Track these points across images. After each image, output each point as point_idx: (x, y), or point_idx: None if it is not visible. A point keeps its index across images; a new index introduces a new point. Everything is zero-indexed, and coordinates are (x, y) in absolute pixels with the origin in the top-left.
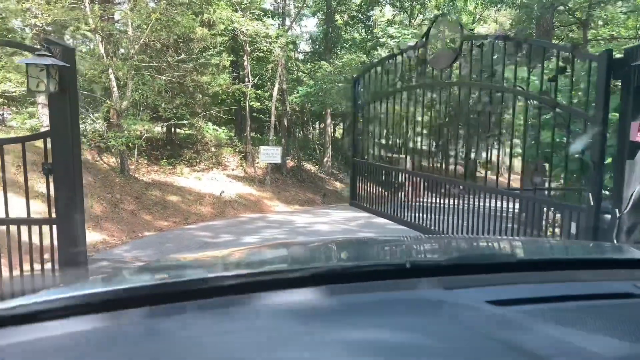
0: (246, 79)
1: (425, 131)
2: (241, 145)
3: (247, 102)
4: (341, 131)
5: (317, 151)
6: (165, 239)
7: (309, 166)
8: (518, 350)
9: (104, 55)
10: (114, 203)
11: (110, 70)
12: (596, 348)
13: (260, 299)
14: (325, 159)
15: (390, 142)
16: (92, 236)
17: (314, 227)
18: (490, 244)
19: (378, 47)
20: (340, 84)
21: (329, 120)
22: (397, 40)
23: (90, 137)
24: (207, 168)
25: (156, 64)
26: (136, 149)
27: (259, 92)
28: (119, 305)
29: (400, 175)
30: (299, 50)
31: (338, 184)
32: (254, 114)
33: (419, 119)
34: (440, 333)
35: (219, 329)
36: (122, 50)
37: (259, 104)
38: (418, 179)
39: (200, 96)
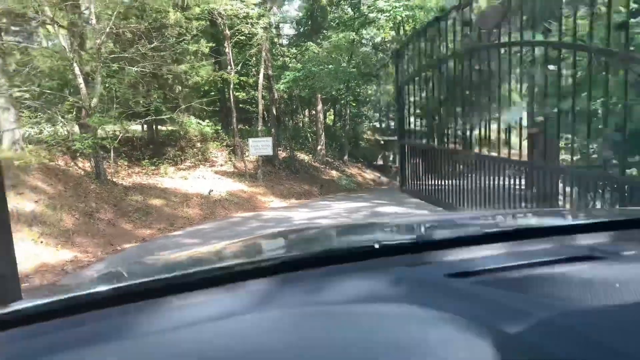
0: (229, 67)
1: (493, 104)
2: (229, 138)
3: (231, 91)
4: (332, 117)
5: (310, 139)
6: (147, 251)
7: (302, 156)
8: (467, 319)
9: (67, 48)
10: (88, 213)
11: (75, 65)
12: (542, 312)
13: (229, 290)
14: (319, 147)
15: (446, 121)
16: (61, 255)
17: (315, 223)
18: (458, 219)
19: (367, 24)
20: (330, 66)
21: (319, 106)
22: (388, 14)
23: (58, 140)
24: (193, 166)
25: (127, 55)
26: (112, 151)
27: (242, 78)
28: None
29: (463, 159)
30: (282, 34)
31: (334, 173)
32: (240, 105)
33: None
34: (400, 310)
35: (185, 322)
36: (89, 43)
37: (244, 94)
38: (489, 163)
39: (180, 88)
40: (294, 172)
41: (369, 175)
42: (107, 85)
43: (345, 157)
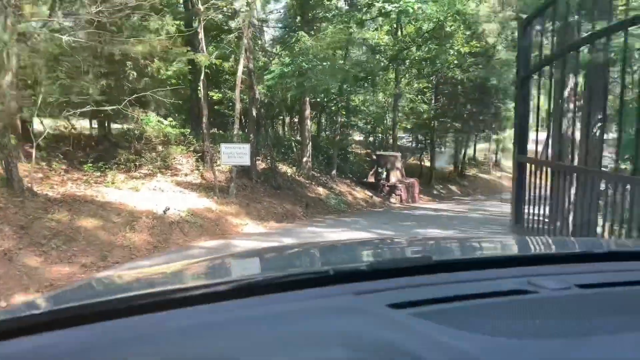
0: (200, 48)
1: None
2: (197, 142)
3: (201, 81)
4: (317, 126)
5: (294, 149)
6: None
7: (284, 168)
8: (399, 352)
9: None
10: None
11: None
12: (468, 345)
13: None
14: (305, 159)
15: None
16: None
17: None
18: (407, 247)
19: (366, 20)
20: (326, 63)
21: (307, 111)
22: (396, 4)
23: None
24: (150, 174)
25: (55, 20)
26: (36, 149)
27: (217, 61)
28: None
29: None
30: (268, 26)
31: (321, 190)
32: (215, 107)
33: None
34: (341, 340)
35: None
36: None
37: (219, 94)
38: None
39: (134, 74)
40: (274, 187)
41: (360, 194)
42: (25, 61)
43: (334, 172)
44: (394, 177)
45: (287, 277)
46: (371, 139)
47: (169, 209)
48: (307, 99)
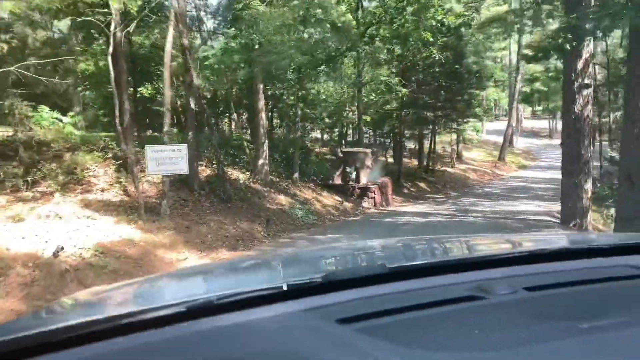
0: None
1: None
2: (116, 145)
3: (110, 47)
4: (278, 120)
5: (247, 150)
6: None
7: (235, 174)
8: None
9: None
10: None
11: None
12: (417, 356)
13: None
14: (261, 162)
15: None
16: None
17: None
18: (365, 253)
19: None
20: (286, 36)
21: (261, 102)
22: None
23: None
24: (47, 193)
25: None
26: None
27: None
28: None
29: None
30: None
31: (283, 199)
32: (147, 105)
33: None
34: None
35: None
36: None
37: (149, 88)
38: None
39: (3, 47)
40: (223, 199)
41: (328, 199)
42: None
43: (296, 175)
44: (365, 177)
45: (234, 295)
46: (328, 135)
47: (62, 248)
48: (261, 86)
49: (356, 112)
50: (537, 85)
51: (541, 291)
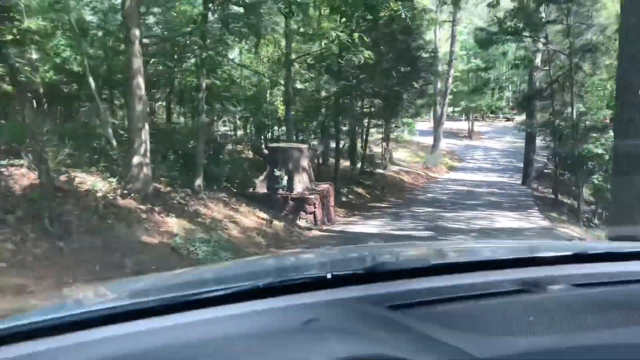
0: None
1: None
2: None
3: None
4: (171, 104)
5: (113, 145)
6: None
7: (90, 181)
8: (397, 353)
9: None
10: None
11: None
12: (463, 344)
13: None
14: (137, 161)
15: None
16: None
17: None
18: (405, 251)
19: None
20: None
21: (137, 60)
22: None
23: None
24: None
25: None
26: None
27: None
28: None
29: None
30: None
31: (174, 223)
32: None
33: None
34: (341, 341)
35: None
36: None
37: None
38: None
39: None
40: (54, 235)
41: (249, 218)
42: None
43: (199, 183)
44: (300, 183)
45: (280, 281)
46: (243, 130)
47: None
48: (137, 33)
49: (282, 99)
50: (458, 85)
51: (589, 288)
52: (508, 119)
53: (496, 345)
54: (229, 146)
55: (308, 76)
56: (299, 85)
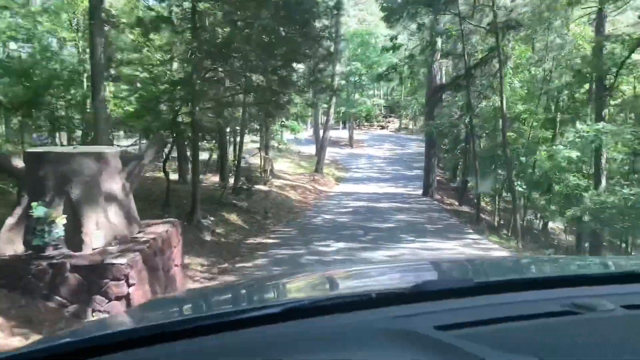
0: None
1: None
2: None
3: None
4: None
5: None
6: None
7: None
8: None
9: None
10: None
11: None
12: None
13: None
14: None
15: None
16: None
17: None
18: (447, 269)
19: None
20: None
21: None
22: None
23: None
24: None
25: None
26: None
27: None
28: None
29: None
30: None
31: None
32: None
33: None
34: None
35: None
36: None
37: None
38: None
39: None
40: None
41: None
42: None
43: None
44: (102, 228)
45: (331, 299)
46: None
47: None
48: None
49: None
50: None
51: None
52: (382, 127)
53: None
54: None
55: (138, 42)
56: (122, 56)
